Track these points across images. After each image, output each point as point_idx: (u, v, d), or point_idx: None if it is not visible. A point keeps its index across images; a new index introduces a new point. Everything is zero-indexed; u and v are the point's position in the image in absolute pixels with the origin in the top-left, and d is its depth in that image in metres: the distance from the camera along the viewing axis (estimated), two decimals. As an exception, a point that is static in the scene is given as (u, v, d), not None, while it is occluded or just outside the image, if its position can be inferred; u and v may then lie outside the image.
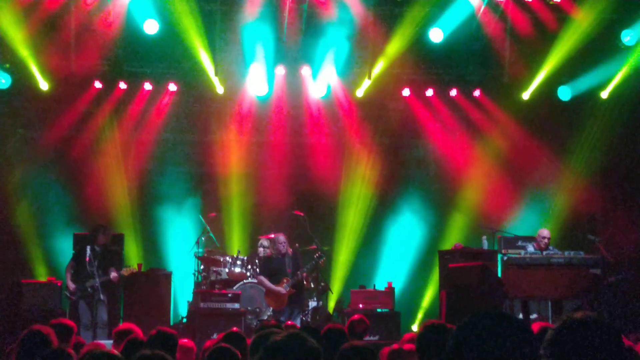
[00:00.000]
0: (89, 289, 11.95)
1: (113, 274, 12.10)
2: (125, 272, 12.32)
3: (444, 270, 13.11)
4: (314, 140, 16.09)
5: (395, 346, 6.57)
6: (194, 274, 14.28)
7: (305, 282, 12.87)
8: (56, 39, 14.32)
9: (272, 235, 14.40)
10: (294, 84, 15.52)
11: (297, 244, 13.48)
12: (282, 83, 15.47)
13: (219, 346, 5.37)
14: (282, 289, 12.37)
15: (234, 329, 7.05)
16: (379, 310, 13.25)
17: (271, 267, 12.65)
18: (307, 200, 15.58)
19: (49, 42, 14.29)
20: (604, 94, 15.20)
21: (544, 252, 12.31)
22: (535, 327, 6.33)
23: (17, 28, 13.89)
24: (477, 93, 15.70)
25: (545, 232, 12.98)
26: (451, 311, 12.13)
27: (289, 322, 10.13)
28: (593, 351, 2.86)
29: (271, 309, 12.95)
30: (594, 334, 2.89)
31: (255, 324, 12.71)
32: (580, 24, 14.29)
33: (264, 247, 14.27)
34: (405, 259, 16.06)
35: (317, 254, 12.89)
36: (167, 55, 15.00)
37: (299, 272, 12.43)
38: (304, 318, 12.93)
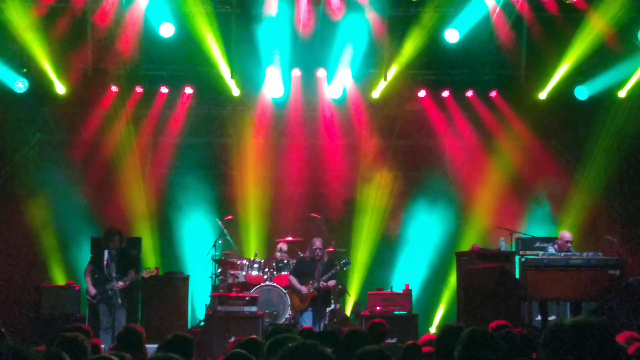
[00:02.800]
0: (109, 292, 11.97)
1: (131, 275, 12.16)
2: (145, 274, 12.35)
3: (462, 272, 13.05)
4: (330, 142, 16.07)
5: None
6: (212, 277, 14.28)
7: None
8: (73, 42, 14.40)
9: (290, 238, 14.47)
10: (310, 86, 15.50)
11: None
12: (297, 85, 15.47)
13: (234, 351, 5.35)
14: (305, 288, 12.44)
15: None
16: (396, 312, 13.20)
17: (301, 270, 12.75)
18: (324, 203, 15.58)
19: (66, 46, 14.37)
20: (622, 93, 15.08)
21: (562, 254, 12.21)
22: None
23: (34, 32, 13.98)
24: (493, 94, 15.63)
25: (567, 234, 12.84)
26: (469, 313, 12.09)
27: (306, 326, 10.09)
28: (584, 351, 3.04)
29: (289, 312, 12.96)
30: (583, 336, 3.04)
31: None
32: (597, 23, 14.19)
33: (282, 251, 14.28)
34: (423, 260, 15.99)
35: (343, 260, 12.98)
36: (183, 58, 15.02)
37: (322, 278, 12.45)
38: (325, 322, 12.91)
